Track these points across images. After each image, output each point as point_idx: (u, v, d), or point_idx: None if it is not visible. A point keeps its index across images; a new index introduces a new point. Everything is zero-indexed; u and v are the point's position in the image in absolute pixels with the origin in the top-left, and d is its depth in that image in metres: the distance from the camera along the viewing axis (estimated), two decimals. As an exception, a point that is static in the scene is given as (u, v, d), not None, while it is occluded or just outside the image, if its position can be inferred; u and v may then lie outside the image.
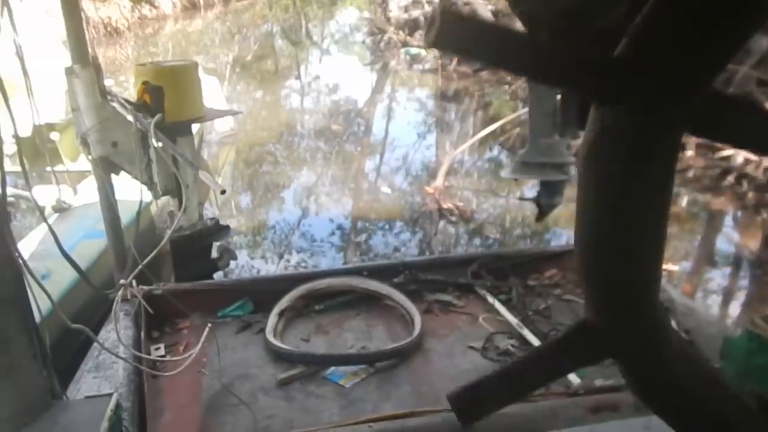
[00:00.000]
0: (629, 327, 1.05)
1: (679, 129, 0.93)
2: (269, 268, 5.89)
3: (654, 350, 1.04)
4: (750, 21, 0.86)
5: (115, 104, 2.64)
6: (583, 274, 1.08)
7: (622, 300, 1.03)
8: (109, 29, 18.19)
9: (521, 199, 5.92)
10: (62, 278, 3.56)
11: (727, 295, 5.42)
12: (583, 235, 1.04)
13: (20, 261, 1.62)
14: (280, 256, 6.13)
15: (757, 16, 0.86)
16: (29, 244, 4.09)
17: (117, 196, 2.94)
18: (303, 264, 5.93)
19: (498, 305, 3.09)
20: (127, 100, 2.69)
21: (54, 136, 5.08)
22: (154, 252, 2.51)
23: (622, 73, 0.91)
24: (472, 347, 2.80)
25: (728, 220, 6.76)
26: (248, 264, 5.89)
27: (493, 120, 9.53)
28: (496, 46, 0.91)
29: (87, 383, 2.36)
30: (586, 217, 1.03)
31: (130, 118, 2.60)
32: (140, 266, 2.51)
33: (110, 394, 1.75)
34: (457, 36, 0.88)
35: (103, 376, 2.40)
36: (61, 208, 4.71)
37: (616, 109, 0.92)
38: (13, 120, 1.69)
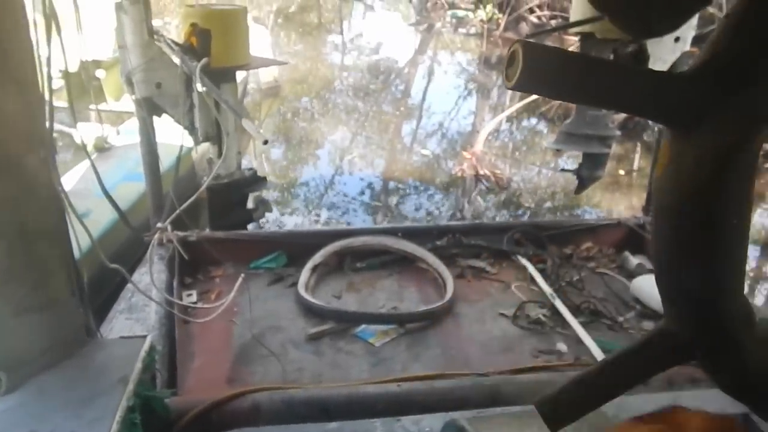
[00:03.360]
0: (712, 333, 1.01)
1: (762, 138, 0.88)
2: (299, 221, 5.90)
3: (739, 352, 1.01)
4: None
5: (161, 44, 2.60)
6: (662, 286, 1.03)
7: (704, 310, 1.00)
8: (156, -29, 18.08)
9: (563, 170, 5.79)
10: (101, 218, 3.60)
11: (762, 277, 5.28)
12: (663, 251, 0.99)
13: (63, 196, 1.61)
14: (310, 211, 6.12)
15: None
16: (69, 182, 4.13)
17: (159, 140, 2.93)
18: (334, 221, 5.92)
19: (534, 273, 3.04)
20: (174, 41, 2.65)
21: (100, 73, 5.09)
22: (192, 198, 2.50)
23: (706, 91, 0.87)
24: (502, 314, 2.77)
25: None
26: (279, 218, 5.90)
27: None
28: (583, 76, 0.85)
29: (119, 324, 2.40)
30: (666, 231, 0.98)
31: (176, 59, 2.56)
32: (177, 211, 2.50)
33: (144, 336, 1.76)
34: (542, 73, 0.82)
35: (135, 318, 2.44)
36: (102, 148, 4.74)
37: (698, 130, 0.87)
38: (63, 54, 1.66)
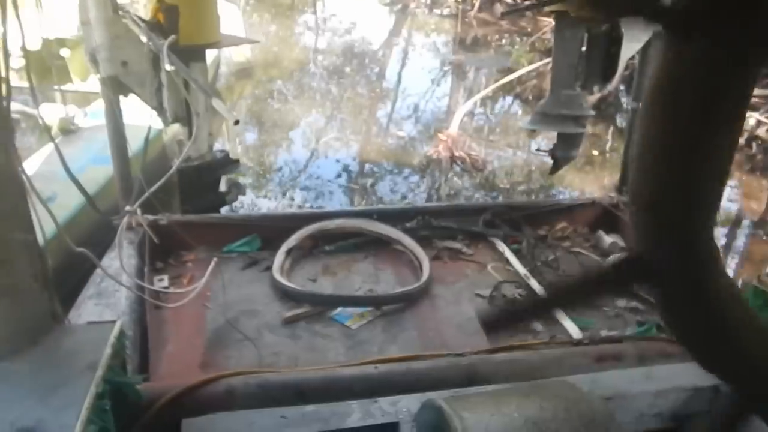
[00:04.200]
0: (679, 253, 0.97)
1: (758, 61, 0.85)
2: (272, 205, 5.82)
3: (702, 283, 0.98)
4: None
5: (127, 21, 2.51)
6: (636, 198, 1.01)
7: (675, 225, 0.96)
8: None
9: (537, 150, 5.80)
10: (68, 202, 3.49)
11: (730, 254, 5.39)
12: (645, 160, 0.96)
13: (24, 178, 1.54)
14: (284, 194, 6.06)
15: None
16: (33, 165, 4.01)
17: (127, 121, 2.84)
18: (309, 204, 5.86)
19: (508, 254, 3.05)
20: (140, 18, 2.55)
21: (64, 52, 4.91)
22: (162, 181, 2.43)
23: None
24: (479, 295, 2.78)
25: (734, 182, 6.65)
26: (254, 201, 5.82)
27: (511, 70, 9.28)
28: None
29: (88, 310, 2.33)
30: (650, 142, 0.95)
31: (142, 36, 2.47)
32: (146, 194, 2.44)
33: (113, 322, 1.70)
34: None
35: (104, 303, 2.37)
36: (68, 130, 4.59)
37: (690, 42, 0.84)
38: (22, 31, 1.58)
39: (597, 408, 1.34)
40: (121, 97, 2.80)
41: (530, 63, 9.56)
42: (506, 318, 1.09)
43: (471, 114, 8.03)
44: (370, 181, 6.37)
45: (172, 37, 2.47)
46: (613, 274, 1.08)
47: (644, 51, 3.13)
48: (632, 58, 3.26)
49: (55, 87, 4.17)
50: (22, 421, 1.32)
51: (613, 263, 1.08)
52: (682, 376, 1.76)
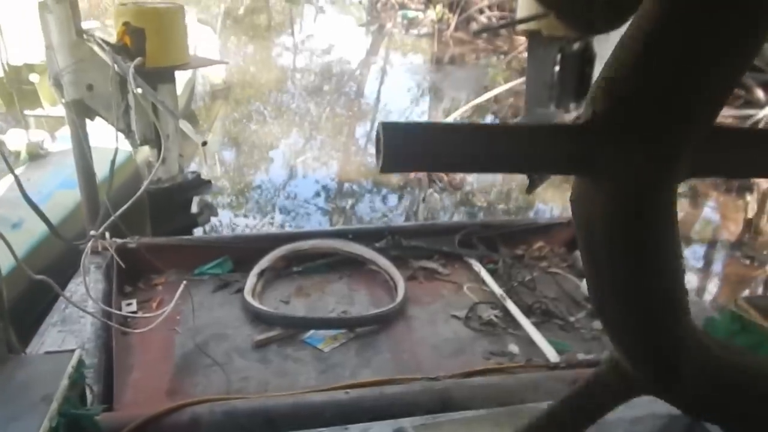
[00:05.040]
0: (659, 368, 0.96)
1: (680, 177, 0.81)
2: (250, 224, 5.77)
3: (690, 382, 0.96)
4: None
5: (92, 44, 2.47)
6: (603, 322, 0.98)
7: (646, 347, 0.94)
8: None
9: (513, 168, 5.81)
10: (35, 228, 3.42)
11: (707, 277, 5.41)
12: (597, 289, 0.93)
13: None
14: (264, 215, 6.01)
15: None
16: (0, 190, 3.93)
17: (97, 144, 2.80)
18: (288, 225, 5.81)
19: (484, 274, 3.02)
20: (105, 41, 2.52)
21: (33, 77, 4.85)
22: (128, 204, 2.38)
23: (604, 138, 0.77)
24: (455, 316, 2.74)
25: (711, 203, 6.72)
26: (229, 222, 5.76)
27: (487, 89, 9.37)
28: (455, 146, 0.78)
29: (51, 337, 2.27)
30: (597, 274, 0.93)
31: (107, 59, 2.44)
32: (112, 218, 2.39)
33: (72, 350, 1.65)
34: (408, 149, 0.76)
35: (69, 330, 2.31)
36: (37, 154, 4.51)
37: (604, 178, 0.80)
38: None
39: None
40: (89, 121, 2.76)
41: (507, 81, 9.67)
42: None
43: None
44: (348, 202, 6.35)
45: (137, 60, 2.44)
46: (604, 384, 1.05)
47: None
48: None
49: (26, 112, 4.10)
50: None
51: (598, 373, 1.03)
52: (659, 402, 1.74)
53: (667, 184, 0.80)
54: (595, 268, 0.91)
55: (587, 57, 3.02)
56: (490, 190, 6.70)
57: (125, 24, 2.57)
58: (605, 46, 2.97)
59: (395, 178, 6.77)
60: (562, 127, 0.90)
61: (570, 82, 3.17)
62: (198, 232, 3.60)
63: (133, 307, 2.66)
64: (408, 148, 0.77)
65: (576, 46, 3.02)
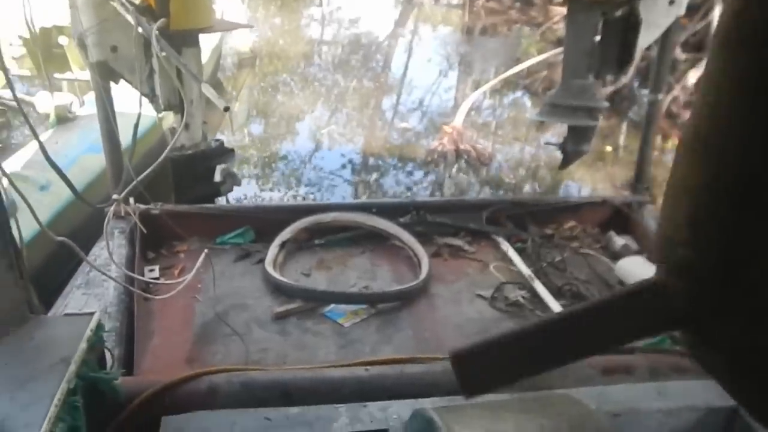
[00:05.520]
0: (730, 285, 0.70)
1: None
2: (274, 196, 5.75)
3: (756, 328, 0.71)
4: None
5: (116, 4, 2.42)
6: (672, 208, 0.75)
7: (728, 243, 0.70)
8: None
9: (546, 143, 5.65)
10: (62, 190, 3.41)
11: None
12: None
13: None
14: (289, 187, 5.98)
15: None
16: (29, 153, 3.96)
17: (125, 109, 2.77)
18: (311, 195, 5.78)
19: (512, 254, 2.94)
20: (129, 1, 2.46)
21: (63, 40, 4.85)
22: (150, 169, 2.35)
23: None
24: (480, 295, 2.67)
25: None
26: (254, 194, 5.75)
27: (519, 61, 9.14)
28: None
29: (75, 300, 2.26)
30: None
31: (131, 20, 2.38)
32: (134, 182, 2.36)
33: (92, 313, 1.63)
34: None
35: (92, 293, 2.30)
36: (65, 118, 4.52)
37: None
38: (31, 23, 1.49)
39: (603, 427, 1.25)
40: (115, 86, 2.72)
41: (540, 53, 9.42)
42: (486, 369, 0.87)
43: (478, 106, 7.92)
44: (373, 175, 6.28)
45: (161, 21, 2.38)
46: (630, 307, 0.84)
47: (664, 39, 3.00)
48: (649, 47, 3.11)
49: (55, 75, 4.09)
50: None
51: (625, 292, 0.82)
52: (697, 394, 1.65)
53: None
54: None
55: (632, 23, 2.86)
56: (518, 166, 6.57)
57: (149, -17, 2.51)
58: (651, 10, 2.81)
59: (421, 153, 6.68)
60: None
61: (612, 50, 3.02)
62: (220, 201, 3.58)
63: (155, 273, 2.65)
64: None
65: (619, 11, 2.86)
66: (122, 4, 2.36)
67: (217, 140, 3.11)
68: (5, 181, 1.53)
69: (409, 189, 5.97)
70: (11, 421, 1.24)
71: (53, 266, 3.02)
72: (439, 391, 1.66)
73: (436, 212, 3.13)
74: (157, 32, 2.33)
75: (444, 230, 3.10)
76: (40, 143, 1.89)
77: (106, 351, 1.70)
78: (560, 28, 9.98)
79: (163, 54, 2.40)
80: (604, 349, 0.91)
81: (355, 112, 8.04)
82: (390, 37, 11.82)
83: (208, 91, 2.17)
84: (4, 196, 1.52)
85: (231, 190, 3.24)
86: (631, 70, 6.60)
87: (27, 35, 4.61)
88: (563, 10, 3.43)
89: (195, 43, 2.66)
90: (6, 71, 1.68)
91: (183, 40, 2.56)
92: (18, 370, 1.39)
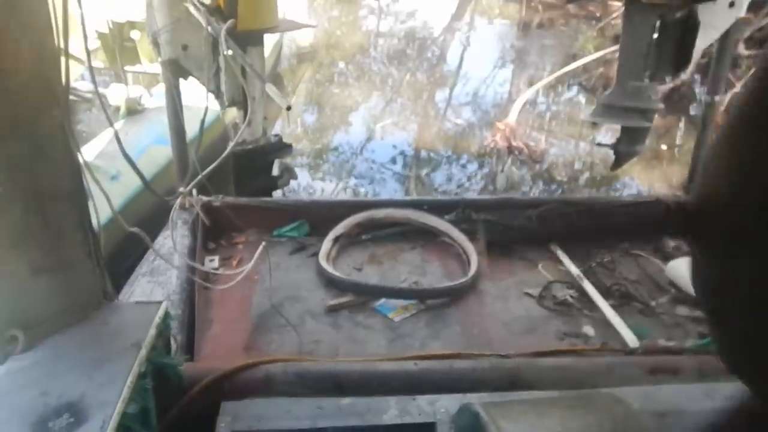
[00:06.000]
0: None
1: None
2: (327, 187, 5.85)
3: None
4: None
5: (188, 5, 2.54)
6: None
7: None
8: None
9: (599, 144, 5.57)
10: (131, 181, 3.59)
11: None
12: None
13: (80, 158, 1.58)
14: (340, 179, 6.08)
15: None
16: (101, 143, 4.15)
17: (191, 103, 2.89)
18: (361, 188, 5.86)
19: (560, 253, 2.95)
20: (201, 2, 2.58)
21: (134, 34, 5.05)
22: (215, 164, 2.46)
23: None
24: (528, 294, 2.70)
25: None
26: (307, 184, 5.86)
27: (576, 57, 8.98)
28: None
29: (141, 287, 2.40)
30: None
31: (201, 20, 2.50)
32: (200, 176, 2.48)
33: (160, 302, 1.74)
34: None
35: (156, 281, 2.44)
36: (134, 110, 4.73)
37: None
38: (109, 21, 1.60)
39: (646, 426, 1.27)
40: (182, 80, 2.85)
41: (597, 50, 9.21)
42: None
43: (532, 102, 7.83)
44: (424, 170, 6.31)
45: (230, 22, 2.49)
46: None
47: (723, 40, 2.94)
48: (709, 46, 3.05)
49: (126, 68, 4.28)
50: (67, 394, 1.36)
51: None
52: (745, 395, 1.65)
53: None
54: None
55: (690, 25, 2.81)
56: (571, 165, 6.48)
57: (219, -14, 2.62)
58: (711, 12, 2.76)
59: (474, 147, 6.68)
60: None
61: (668, 52, 2.98)
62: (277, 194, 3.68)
63: (215, 264, 2.77)
64: None
65: (678, 13, 2.81)
66: (194, 5, 2.47)
67: (276, 135, 3.21)
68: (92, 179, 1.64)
69: (460, 186, 5.98)
70: (88, 399, 1.34)
71: (119, 254, 3.19)
72: (486, 386, 1.70)
73: (487, 210, 3.15)
74: (225, 33, 2.43)
75: (493, 228, 3.12)
76: (117, 136, 2.01)
77: (171, 338, 1.82)
78: (618, 24, 9.71)
79: (230, 53, 2.50)
80: None
81: (409, 103, 8.08)
82: (446, 31, 11.76)
83: (272, 90, 2.26)
84: (92, 193, 1.63)
85: (287, 183, 3.35)
86: (691, 67, 6.39)
87: (102, 30, 4.83)
88: (621, 5, 3.38)
89: (260, 43, 2.77)
90: (92, 69, 1.80)
91: (248, 39, 2.66)
92: (95, 352, 1.51)
